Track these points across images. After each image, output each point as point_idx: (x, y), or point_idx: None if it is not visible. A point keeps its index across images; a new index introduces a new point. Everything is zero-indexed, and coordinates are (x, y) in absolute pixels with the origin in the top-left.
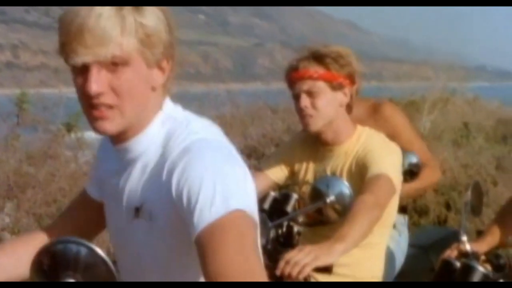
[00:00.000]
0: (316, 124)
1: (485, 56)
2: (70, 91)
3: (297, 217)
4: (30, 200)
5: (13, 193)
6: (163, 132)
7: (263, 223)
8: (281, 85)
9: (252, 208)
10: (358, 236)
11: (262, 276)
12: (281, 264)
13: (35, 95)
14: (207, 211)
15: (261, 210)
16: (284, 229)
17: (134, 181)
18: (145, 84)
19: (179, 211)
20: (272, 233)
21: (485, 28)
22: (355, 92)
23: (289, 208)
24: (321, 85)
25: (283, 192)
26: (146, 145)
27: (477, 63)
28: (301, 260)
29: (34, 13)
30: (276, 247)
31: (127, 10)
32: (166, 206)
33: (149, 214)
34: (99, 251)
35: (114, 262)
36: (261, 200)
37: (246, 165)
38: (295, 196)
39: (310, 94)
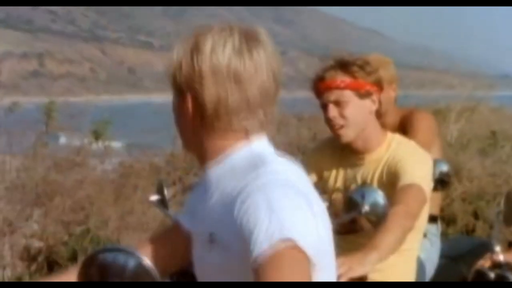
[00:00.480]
0: (349, 134)
1: (508, 65)
2: (96, 99)
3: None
4: (58, 207)
5: (41, 201)
6: (246, 164)
7: None
8: (306, 94)
9: (309, 241)
10: (392, 245)
11: None
12: None
13: (62, 104)
14: (261, 242)
15: None
16: None
17: (212, 207)
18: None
19: (245, 242)
20: None
21: (507, 36)
22: (393, 100)
23: None
24: (348, 94)
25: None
26: (226, 173)
27: (501, 71)
28: (337, 273)
29: (59, 22)
30: None
31: None
32: (236, 236)
33: (222, 241)
34: (147, 262)
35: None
36: None
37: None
38: (327, 205)
39: (338, 104)
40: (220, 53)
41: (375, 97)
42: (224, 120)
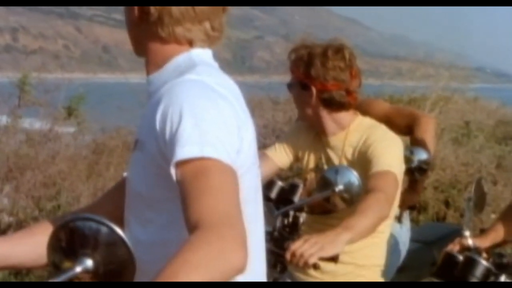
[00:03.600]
0: (305, 115)
1: (484, 57)
2: (70, 76)
3: (304, 205)
4: (29, 182)
5: (12, 175)
6: (178, 71)
7: (269, 211)
8: (281, 78)
9: (230, 155)
10: (365, 229)
11: (240, 222)
12: (288, 255)
13: (35, 78)
14: (183, 147)
15: (268, 199)
16: (291, 218)
17: (145, 113)
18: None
19: (160, 143)
20: (278, 222)
21: (483, 28)
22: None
23: (296, 198)
24: (294, 81)
25: (290, 182)
26: (161, 82)
27: (477, 64)
28: (307, 251)
29: None
30: (283, 235)
31: None
32: (151, 138)
33: (141, 145)
34: (119, 231)
35: None
36: (267, 188)
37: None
38: (301, 186)
39: (291, 87)
40: None
41: (313, 90)
42: (168, 28)
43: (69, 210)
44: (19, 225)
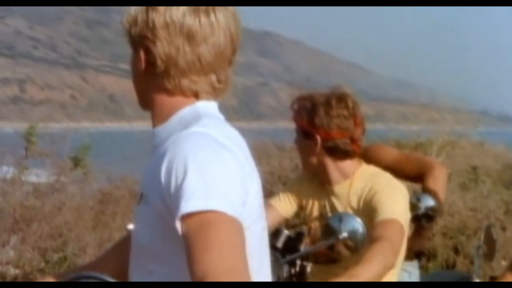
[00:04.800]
0: (307, 166)
1: (488, 101)
2: (76, 126)
3: (309, 253)
4: (35, 233)
5: (18, 227)
6: (183, 124)
7: (275, 261)
8: (287, 124)
9: (235, 208)
10: (370, 278)
11: (247, 276)
12: None
13: (42, 129)
14: (187, 201)
15: (274, 248)
16: (297, 268)
17: (148, 166)
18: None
19: (165, 197)
20: (285, 271)
21: (487, 72)
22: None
23: (302, 246)
24: (298, 130)
25: (296, 231)
26: (166, 134)
27: (481, 107)
28: None
29: (41, 48)
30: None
31: None
32: (155, 191)
33: (146, 198)
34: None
35: None
36: (274, 237)
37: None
38: (307, 234)
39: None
40: (174, 9)
41: (318, 139)
42: (174, 80)
43: (75, 261)
44: (25, 278)
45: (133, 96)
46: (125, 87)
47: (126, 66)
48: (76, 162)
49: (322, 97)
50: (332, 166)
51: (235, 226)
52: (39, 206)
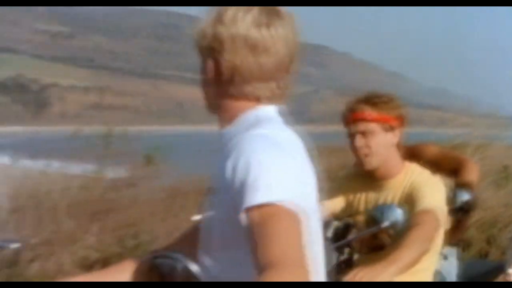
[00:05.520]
0: (372, 163)
1: None
2: (149, 129)
3: (355, 241)
4: (113, 222)
5: (98, 216)
6: (246, 126)
7: (326, 249)
8: (335, 128)
9: (294, 201)
10: (409, 261)
11: (304, 264)
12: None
13: (119, 131)
14: (251, 194)
15: (324, 237)
16: (345, 255)
17: (217, 165)
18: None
19: (231, 191)
20: (334, 259)
21: None
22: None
23: (350, 235)
24: (374, 126)
25: (344, 222)
26: (231, 135)
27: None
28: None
29: (118, 60)
30: (338, 271)
31: None
32: (223, 186)
33: (214, 192)
34: (193, 266)
35: None
36: (324, 228)
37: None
38: (353, 225)
39: (364, 134)
40: (239, 23)
41: (397, 130)
42: (238, 86)
43: (149, 248)
44: (104, 261)
45: (198, 102)
46: (191, 94)
47: (192, 75)
48: (149, 160)
49: (377, 97)
50: (388, 161)
51: (294, 218)
52: (116, 198)
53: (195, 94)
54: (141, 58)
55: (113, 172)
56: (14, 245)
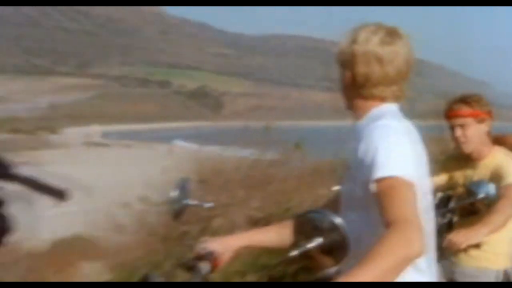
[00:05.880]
0: (467, 148)
1: None
2: (297, 123)
3: (455, 208)
4: (271, 191)
5: (261, 187)
6: (373, 119)
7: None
8: (433, 122)
9: (411, 175)
10: (498, 224)
11: (419, 223)
12: (445, 244)
13: (275, 125)
14: (379, 170)
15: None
16: (447, 219)
17: (352, 149)
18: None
19: (363, 168)
20: (438, 222)
21: None
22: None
23: (450, 204)
24: (469, 120)
25: (447, 193)
26: (363, 127)
27: None
28: (458, 240)
29: (274, 74)
30: (441, 232)
31: None
32: (357, 164)
33: (350, 169)
34: (339, 220)
35: None
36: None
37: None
38: (454, 196)
39: (462, 126)
40: (370, 42)
41: (487, 122)
42: (368, 90)
43: (298, 211)
44: (266, 219)
45: (333, 103)
46: (328, 97)
47: (328, 84)
48: (297, 146)
49: (470, 97)
50: (482, 146)
51: (411, 188)
52: (273, 174)
53: (330, 98)
54: (290, 72)
55: (271, 155)
56: (208, 205)
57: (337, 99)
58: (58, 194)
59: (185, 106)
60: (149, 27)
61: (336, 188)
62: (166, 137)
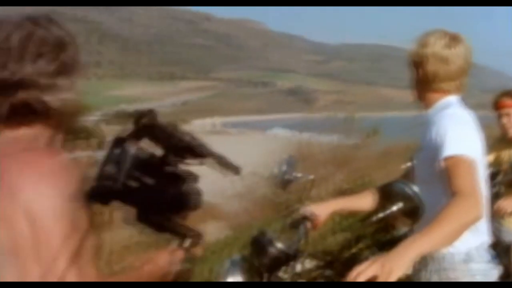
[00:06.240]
0: None
1: None
2: (374, 115)
3: (502, 181)
4: (349, 172)
5: (343, 165)
6: (441, 108)
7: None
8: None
9: (474, 154)
10: None
11: (480, 193)
12: (495, 208)
13: (354, 116)
14: (447, 149)
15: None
16: (496, 189)
17: (424, 132)
18: None
19: (433, 149)
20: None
21: None
22: None
23: (498, 177)
24: None
25: (496, 168)
26: (431, 115)
27: None
28: (506, 206)
29: (351, 75)
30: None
31: None
32: (427, 146)
33: (422, 150)
34: (416, 188)
35: None
36: None
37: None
38: (501, 171)
39: (508, 115)
40: (437, 46)
41: None
42: (436, 84)
43: (375, 184)
44: (351, 191)
45: (402, 98)
46: (398, 93)
47: (397, 82)
48: (373, 132)
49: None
50: None
51: (473, 164)
52: (353, 155)
53: (398, 94)
54: (366, 73)
55: (352, 140)
56: (310, 177)
57: (403, 94)
58: (235, 169)
59: (284, 102)
60: (255, 40)
61: (406, 165)
62: (270, 126)
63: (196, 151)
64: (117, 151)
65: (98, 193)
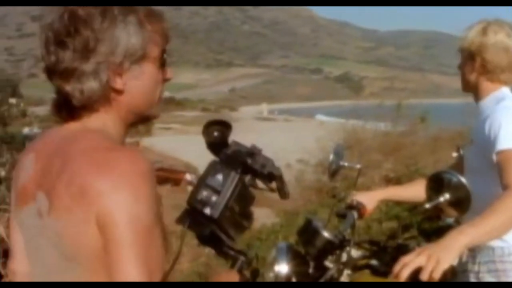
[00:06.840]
0: None
1: None
2: (422, 101)
3: None
4: (404, 156)
5: (393, 152)
6: (495, 100)
7: None
8: None
9: None
10: None
11: None
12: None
13: (404, 103)
14: (500, 143)
15: None
16: None
17: (477, 123)
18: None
19: (486, 142)
20: None
21: None
22: None
23: None
24: None
25: None
26: (485, 107)
27: None
28: None
29: (402, 61)
30: None
31: None
32: (480, 138)
33: (475, 142)
34: (464, 180)
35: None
36: None
37: None
38: None
39: None
40: (498, 35)
41: None
42: (493, 75)
43: (423, 172)
44: (398, 179)
45: (451, 85)
46: (446, 80)
47: (446, 69)
48: (422, 120)
49: None
50: None
51: None
52: (403, 142)
53: (446, 80)
54: (415, 59)
55: (400, 127)
56: (358, 166)
57: (453, 81)
58: (286, 195)
59: (332, 88)
60: (303, 27)
61: (455, 154)
62: (317, 113)
63: (272, 176)
64: (218, 177)
65: (195, 219)
